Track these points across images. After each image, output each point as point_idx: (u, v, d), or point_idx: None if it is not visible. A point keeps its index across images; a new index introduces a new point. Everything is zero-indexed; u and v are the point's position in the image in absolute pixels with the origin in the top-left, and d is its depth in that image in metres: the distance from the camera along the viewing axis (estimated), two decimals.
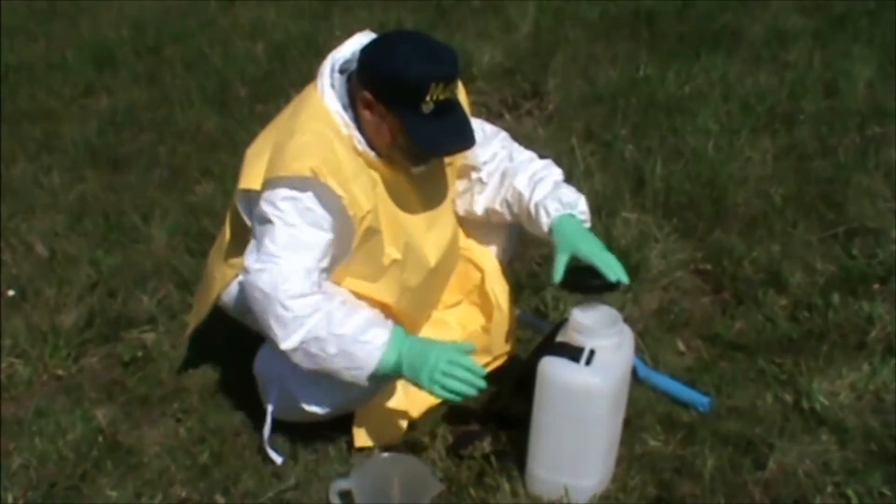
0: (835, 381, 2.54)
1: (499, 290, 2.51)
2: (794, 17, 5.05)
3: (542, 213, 2.25)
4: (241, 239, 2.28)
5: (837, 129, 3.88)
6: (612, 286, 2.14)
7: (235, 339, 2.58)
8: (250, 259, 2.12)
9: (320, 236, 2.09)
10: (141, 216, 3.48)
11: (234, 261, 2.32)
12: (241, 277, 2.18)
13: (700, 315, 2.87)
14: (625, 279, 2.15)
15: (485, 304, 2.52)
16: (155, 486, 2.32)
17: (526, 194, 2.31)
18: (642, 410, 2.46)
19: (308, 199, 2.07)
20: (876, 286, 2.92)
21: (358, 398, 2.28)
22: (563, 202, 2.25)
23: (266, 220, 2.10)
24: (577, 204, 2.28)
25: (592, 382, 2.06)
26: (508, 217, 2.40)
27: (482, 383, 2.06)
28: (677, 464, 2.32)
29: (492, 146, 2.40)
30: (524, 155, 2.41)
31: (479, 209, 2.43)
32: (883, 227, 3.19)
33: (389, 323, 2.15)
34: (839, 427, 2.41)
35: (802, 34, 4.80)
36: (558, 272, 2.18)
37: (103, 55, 5.03)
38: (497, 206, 2.39)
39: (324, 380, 2.19)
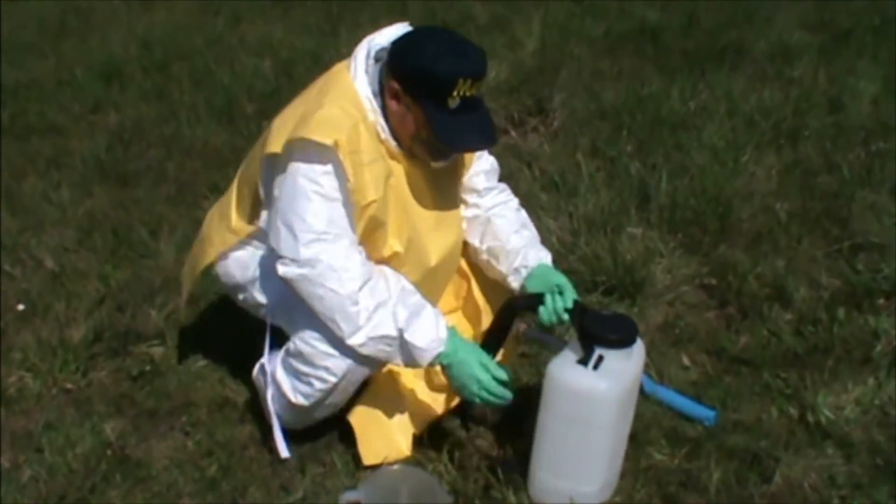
0: (840, 396, 2.54)
1: (486, 297, 2.53)
2: (798, 34, 5.08)
3: (520, 258, 2.37)
4: (252, 208, 2.31)
5: (842, 144, 3.90)
6: (628, 342, 2.14)
7: (243, 353, 2.59)
8: (292, 247, 2.10)
9: (349, 209, 2.12)
10: (149, 231, 3.50)
11: (238, 226, 2.34)
12: (286, 270, 2.11)
13: (705, 330, 2.88)
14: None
15: (476, 313, 2.53)
16: (163, 498, 2.33)
17: (504, 238, 2.41)
18: (648, 424, 2.47)
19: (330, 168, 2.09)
20: (881, 301, 2.92)
21: (346, 389, 2.27)
22: (542, 255, 2.40)
23: (301, 196, 2.09)
24: (548, 259, 2.42)
25: (598, 387, 2.07)
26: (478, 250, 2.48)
27: (510, 398, 2.19)
28: (683, 477, 2.32)
29: (494, 180, 2.48)
30: (511, 204, 2.51)
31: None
32: (887, 243, 3.20)
33: (444, 321, 2.18)
34: (845, 441, 2.41)
35: (807, 50, 4.83)
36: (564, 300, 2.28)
37: (112, 72, 5.06)
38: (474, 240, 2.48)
39: (307, 375, 2.23)
